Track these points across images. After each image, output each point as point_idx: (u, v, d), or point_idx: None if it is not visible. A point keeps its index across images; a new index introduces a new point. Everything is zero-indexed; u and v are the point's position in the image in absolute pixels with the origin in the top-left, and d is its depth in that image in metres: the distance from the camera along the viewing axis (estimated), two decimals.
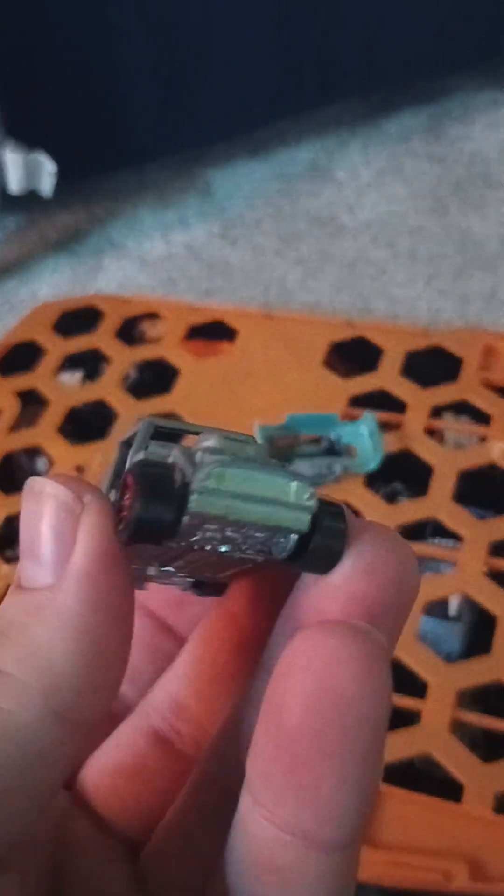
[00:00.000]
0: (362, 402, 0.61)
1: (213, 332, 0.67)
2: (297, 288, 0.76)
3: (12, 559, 0.55)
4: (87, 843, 0.17)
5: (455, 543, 0.53)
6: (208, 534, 0.14)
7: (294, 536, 0.15)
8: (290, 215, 0.83)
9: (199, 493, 0.14)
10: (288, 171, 0.87)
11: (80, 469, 0.59)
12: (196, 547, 0.15)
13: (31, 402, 0.64)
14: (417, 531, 0.54)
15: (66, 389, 0.65)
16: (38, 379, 0.66)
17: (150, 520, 0.14)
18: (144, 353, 0.67)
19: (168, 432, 0.16)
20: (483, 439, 0.58)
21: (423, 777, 0.45)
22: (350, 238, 0.80)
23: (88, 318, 0.70)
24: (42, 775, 0.14)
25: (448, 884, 0.41)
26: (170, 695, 0.18)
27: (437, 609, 0.50)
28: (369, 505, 0.55)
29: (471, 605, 0.50)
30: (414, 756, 0.45)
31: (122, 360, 0.66)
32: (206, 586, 0.17)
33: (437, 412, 0.60)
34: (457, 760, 0.45)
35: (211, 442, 0.15)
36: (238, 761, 0.15)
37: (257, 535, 0.15)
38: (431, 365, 0.63)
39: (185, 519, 0.14)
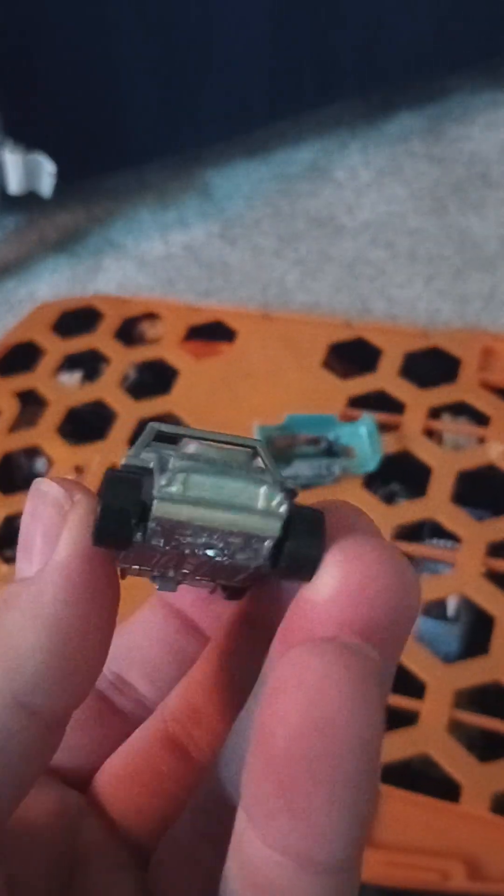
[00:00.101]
0: (361, 402, 0.61)
1: (212, 333, 0.68)
2: (297, 288, 0.76)
3: (11, 559, 0.55)
4: (98, 848, 0.17)
5: (453, 544, 0.53)
6: (187, 539, 0.15)
7: (268, 543, 0.15)
8: (290, 216, 0.83)
9: (161, 500, 0.14)
10: (287, 171, 0.87)
11: (79, 469, 0.59)
12: (186, 552, 0.15)
13: (31, 403, 0.64)
14: (416, 532, 0.54)
15: (65, 390, 0.65)
16: (37, 379, 0.66)
17: (110, 525, 0.14)
18: (144, 353, 0.67)
19: (172, 437, 0.16)
20: (481, 440, 0.58)
21: (420, 777, 0.46)
22: (349, 238, 0.80)
23: (88, 318, 0.70)
24: None
25: (445, 883, 0.41)
26: (186, 700, 0.18)
27: (436, 609, 0.50)
28: (368, 506, 0.55)
29: (469, 606, 0.51)
30: (412, 756, 0.45)
31: (122, 360, 0.66)
32: (229, 589, 0.17)
33: (435, 413, 0.60)
34: (454, 760, 0.45)
35: (190, 448, 0.15)
36: (239, 774, 0.15)
37: (234, 541, 0.15)
38: (430, 366, 0.63)
39: (152, 525, 0.14)
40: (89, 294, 0.75)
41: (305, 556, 0.14)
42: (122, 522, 0.14)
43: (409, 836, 0.43)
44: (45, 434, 0.62)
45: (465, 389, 0.61)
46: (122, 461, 0.15)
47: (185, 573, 0.16)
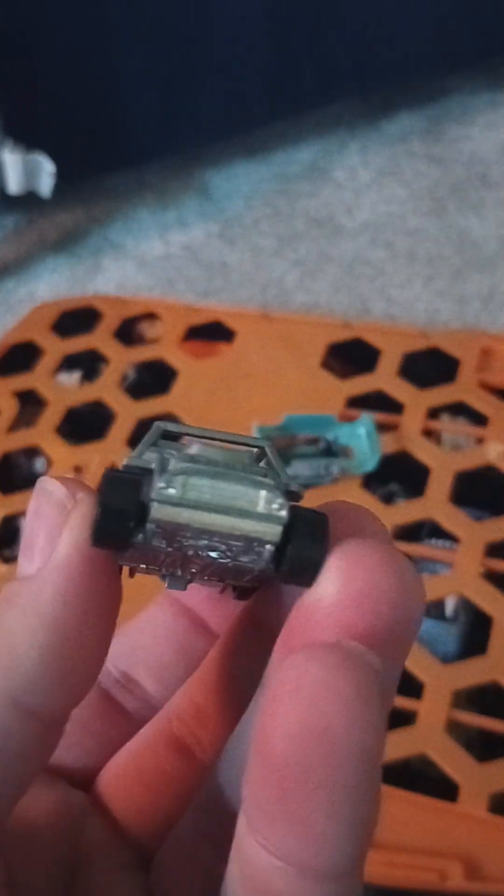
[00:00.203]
0: (360, 402, 0.61)
1: (211, 333, 0.68)
2: (296, 288, 0.76)
3: (11, 559, 0.55)
4: (101, 848, 0.17)
5: (451, 544, 0.53)
6: (189, 541, 0.14)
7: (269, 547, 0.14)
8: (289, 216, 0.83)
9: (159, 502, 0.14)
10: (287, 171, 0.87)
11: (78, 469, 0.59)
12: (190, 553, 0.15)
13: (30, 403, 0.65)
14: (414, 532, 0.54)
15: (64, 390, 0.65)
16: (36, 379, 0.66)
17: (107, 525, 0.14)
18: (143, 353, 0.67)
19: (178, 437, 0.16)
20: (480, 440, 0.58)
21: (418, 777, 0.46)
22: (348, 239, 0.80)
23: (87, 318, 0.70)
24: None
25: (443, 883, 0.41)
26: (192, 700, 0.18)
27: (434, 610, 0.51)
28: (366, 506, 0.55)
29: (467, 606, 0.51)
30: (410, 756, 0.45)
31: (121, 360, 0.66)
32: (239, 589, 0.17)
33: (434, 413, 0.60)
34: (452, 760, 0.45)
35: (192, 449, 0.15)
36: (238, 778, 0.15)
37: (236, 544, 0.14)
38: (429, 366, 0.63)
39: (150, 526, 0.14)
40: (88, 294, 0.75)
41: (306, 561, 0.14)
42: (120, 523, 0.14)
43: (407, 836, 0.43)
44: (44, 434, 0.62)
45: (463, 390, 0.61)
46: (125, 461, 0.15)
47: (194, 572, 0.16)
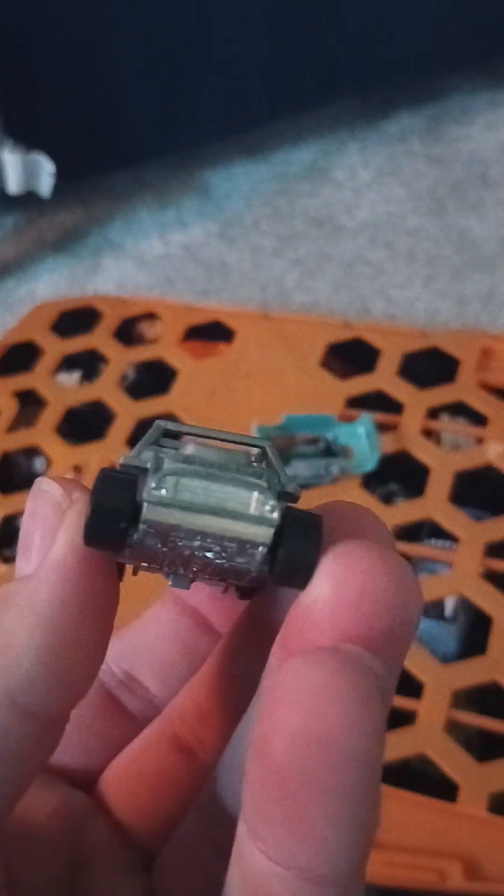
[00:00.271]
0: (359, 402, 0.61)
1: (210, 333, 0.68)
2: (295, 288, 0.76)
3: (10, 559, 0.55)
4: (102, 849, 0.17)
5: (451, 544, 0.53)
6: (182, 542, 0.14)
7: (262, 549, 0.14)
8: (289, 216, 0.83)
9: (151, 503, 0.14)
10: (286, 171, 0.87)
11: (77, 469, 0.59)
12: (186, 553, 0.15)
13: (29, 403, 0.65)
14: (414, 532, 0.54)
15: (64, 389, 0.65)
16: (36, 379, 0.66)
17: (99, 525, 0.14)
18: (142, 353, 0.67)
19: (177, 436, 0.16)
20: (480, 440, 0.58)
21: (418, 777, 0.46)
22: (348, 238, 0.80)
23: (86, 318, 0.70)
24: None
25: (443, 883, 0.41)
26: (194, 700, 0.18)
27: (433, 610, 0.51)
28: (366, 506, 0.55)
29: (467, 606, 0.51)
30: (409, 756, 0.45)
31: (120, 360, 0.66)
32: (241, 589, 0.17)
33: (434, 413, 0.60)
34: (452, 760, 0.45)
35: (188, 449, 0.15)
36: (235, 783, 0.15)
37: (230, 545, 0.14)
38: (428, 366, 0.63)
39: (143, 527, 0.14)
40: (88, 294, 0.75)
41: (299, 563, 0.14)
42: (112, 523, 0.14)
43: (407, 836, 0.43)
44: (43, 434, 0.62)
45: (463, 390, 0.61)
46: (121, 460, 0.15)
47: (195, 571, 0.15)
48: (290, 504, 0.15)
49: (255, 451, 0.16)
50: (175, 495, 0.14)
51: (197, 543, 0.14)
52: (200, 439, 0.16)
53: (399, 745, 0.45)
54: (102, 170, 0.85)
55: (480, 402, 0.60)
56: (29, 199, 0.78)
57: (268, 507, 0.14)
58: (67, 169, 0.76)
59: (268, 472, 0.15)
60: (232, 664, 0.18)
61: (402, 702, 0.47)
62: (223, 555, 0.15)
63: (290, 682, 0.13)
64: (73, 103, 0.79)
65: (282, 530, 0.14)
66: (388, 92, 0.92)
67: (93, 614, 0.15)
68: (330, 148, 0.89)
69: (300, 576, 0.14)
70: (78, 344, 0.68)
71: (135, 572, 0.16)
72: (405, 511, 0.55)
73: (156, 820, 0.17)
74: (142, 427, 0.62)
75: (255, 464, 0.16)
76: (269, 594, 0.17)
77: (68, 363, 0.67)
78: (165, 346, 0.67)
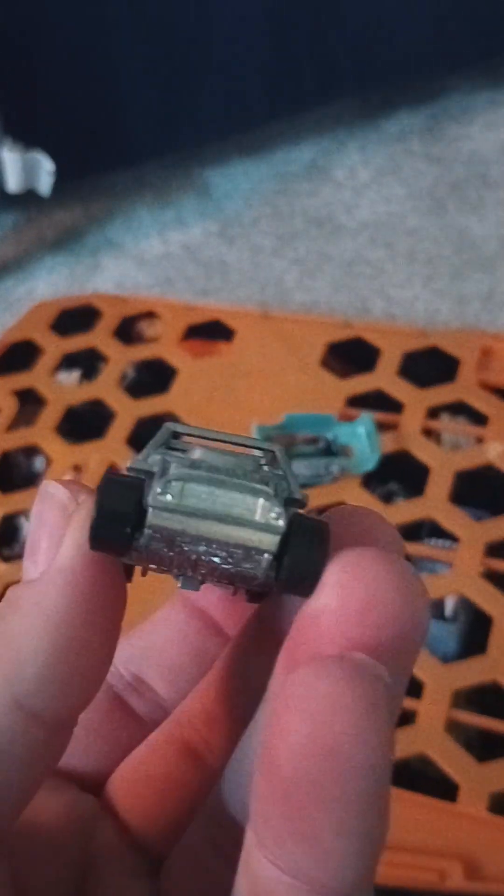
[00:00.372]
0: (359, 402, 0.61)
1: (210, 332, 0.68)
2: (295, 288, 0.76)
3: (10, 558, 0.55)
4: (111, 852, 0.17)
5: (451, 544, 0.53)
6: (187, 547, 0.14)
7: (267, 556, 0.14)
8: (288, 215, 0.83)
9: (156, 508, 0.14)
10: (286, 170, 0.87)
11: (77, 468, 0.59)
12: (193, 557, 0.15)
13: (29, 402, 0.64)
14: (414, 532, 0.54)
15: (63, 389, 0.65)
16: (35, 378, 0.66)
17: (104, 530, 0.14)
18: (142, 352, 0.67)
19: (190, 438, 0.16)
20: (480, 440, 0.58)
21: (418, 776, 0.46)
22: (348, 238, 0.80)
23: (86, 317, 0.70)
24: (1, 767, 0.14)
25: (443, 883, 0.41)
26: (202, 704, 0.18)
27: (434, 609, 0.50)
28: (366, 505, 0.55)
29: (467, 606, 0.51)
30: (410, 756, 0.45)
31: (120, 359, 0.66)
32: (251, 592, 0.17)
33: (434, 413, 0.60)
34: (452, 760, 0.45)
35: (195, 453, 0.15)
36: (241, 791, 0.15)
37: (236, 551, 0.14)
38: (428, 365, 0.63)
39: (148, 532, 0.14)
40: (88, 293, 0.75)
41: (304, 571, 0.14)
42: (117, 527, 0.14)
43: (407, 836, 0.43)
44: (43, 433, 0.62)
45: (463, 389, 0.61)
46: (128, 463, 0.15)
47: (204, 573, 0.15)
48: (297, 510, 0.15)
49: (264, 455, 0.16)
50: (180, 501, 0.14)
51: (203, 549, 0.14)
52: (208, 443, 0.16)
53: (399, 745, 0.45)
54: (102, 169, 0.85)
55: (480, 401, 0.60)
56: (28, 198, 0.78)
57: (273, 515, 0.14)
58: (67, 168, 0.76)
59: (275, 477, 0.15)
60: (240, 668, 0.17)
61: None
62: (229, 560, 0.14)
63: (296, 692, 0.13)
64: (72, 102, 0.79)
65: (287, 537, 0.14)
66: (387, 92, 0.92)
67: (100, 617, 0.15)
68: (330, 147, 0.89)
69: (305, 583, 0.14)
70: (77, 343, 0.68)
71: (144, 573, 0.16)
72: (405, 511, 0.55)
73: (163, 823, 0.17)
74: (141, 426, 0.62)
75: (265, 467, 0.16)
76: (277, 598, 0.16)
77: (68, 362, 0.67)
78: (165, 345, 0.67)
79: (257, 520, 0.14)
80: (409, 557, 0.52)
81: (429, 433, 0.59)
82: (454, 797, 0.44)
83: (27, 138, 0.74)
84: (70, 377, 0.66)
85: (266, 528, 0.14)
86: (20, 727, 0.14)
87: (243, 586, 0.16)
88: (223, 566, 0.15)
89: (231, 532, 0.14)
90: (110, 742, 0.18)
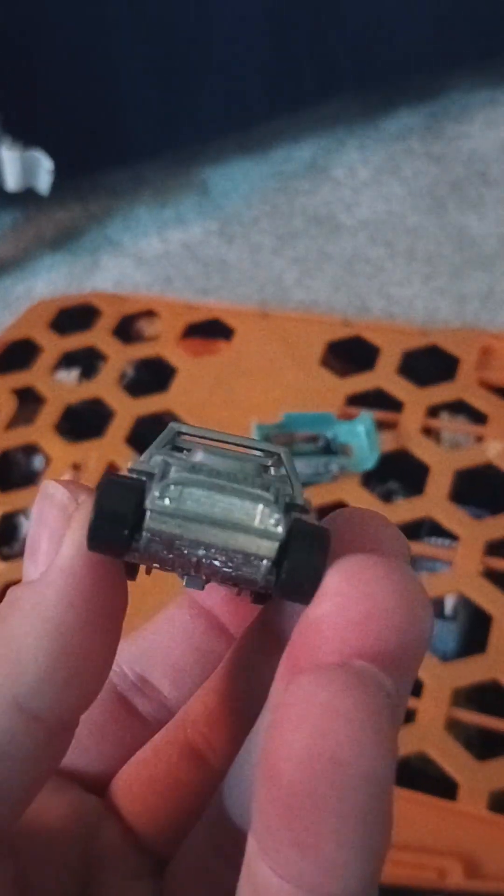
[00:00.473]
0: (359, 400, 0.61)
1: (209, 331, 0.68)
2: (294, 286, 0.76)
3: (10, 557, 0.55)
4: (115, 853, 0.17)
5: (451, 543, 0.53)
6: (186, 550, 0.14)
7: (266, 562, 0.14)
8: (288, 214, 0.83)
9: (154, 511, 0.14)
10: (285, 169, 0.87)
11: (76, 467, 0.59)
12: (193, 559, 0.14)
13: (28, 400, 0.64)
14: (414, 530, 0.54)
15: (62, 387, 0.65)
16: (34, 377, 0.66)
17: (102, 531, 0.14)
18: (141, 351, 0.67)
19: (194, 439, 0.15)
20: (479, 439, 0.58)
21: (418, 775, 0.46)
22: (347, 237, 0.80)
23: (85, 315, 0.70)
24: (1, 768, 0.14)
25: (443, 881, 0.41)
26: (206, 705, 0.18)
27: (433, 608, 0.50)
28: (365, 504, 0.55)
29: (466, 605, 0.51)
30: (410, 754, 0.45)
31: (119, 358, 0.66)
32: (255, 593, 0.16)
33: (433, 411, 0.60)
34: (452, 759, 0.45)
35: (197, 456, 0.15)
36: (242, 798, 0.15)
37: (235, 556, 0.14)
38: (428, 364, 0.63)
39: (146, 534, 0.14)
40: (87, 291, 0.75)
41: (303, 577, 0.14)
42: (115, 529, 0.14)
43: (407, 835, 0.43)
44: (42, 431, 0.62)
45: (463, 388, 0.61)
46: (130, 464, 0.15)
47: (206, 574, 0.15)
48: (298, 516, 0.14)
49: (270, 458, 0.16)
50: (179, 505, 0.14)
51: (202, 553, 0.14)
52: (213, 444, 0.16)
53: (399, 744, 0.45)
54: (101, 168, 0.85)
55: (480, 400, 0.60)
56: (27, 197, 0.78)
57: (272, 521, 0.14)
58: (66, 166, 0.76)
59: (278, 482, 0.15)
60: (243, 671, 0.17)
61: None
62: (229, 564, 0.14)
63: (297, 700, 0.13)
64: (72, 101, 0.79)
65: (287, 543, 0.14)
66: (387, 90, 0.92)
67: (101, 617, 0.15)
68: (329, 146, 0.89)
69: (304, 591, 0.14)
70: (77, 341, 0.68)
71: (148, 571, 0.16)
72: (405, 509, 0.55)
73: (167, 825, 0.17)
74: (141, 425, 0.62)
75: (269, 468, 0.15)
76: (281, 602, 0.16)
77: (67, 361, 0.67)
78: (164, 343, 0.67)
79: (256, 525, 0.14)
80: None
81: (428, 432, 0.59)
82: (454, 796, 0.44)
83: (26, 137, 0.74)
84: (69, 376, 0.66)
85: (265, 534, 0.14)
86: (21, 728, 0.14)
87: (248, 587, 0.16)
88: (224, 570, 0.15)
89: (229, 537, 0.14)
90: (114, 742, 0.18)
